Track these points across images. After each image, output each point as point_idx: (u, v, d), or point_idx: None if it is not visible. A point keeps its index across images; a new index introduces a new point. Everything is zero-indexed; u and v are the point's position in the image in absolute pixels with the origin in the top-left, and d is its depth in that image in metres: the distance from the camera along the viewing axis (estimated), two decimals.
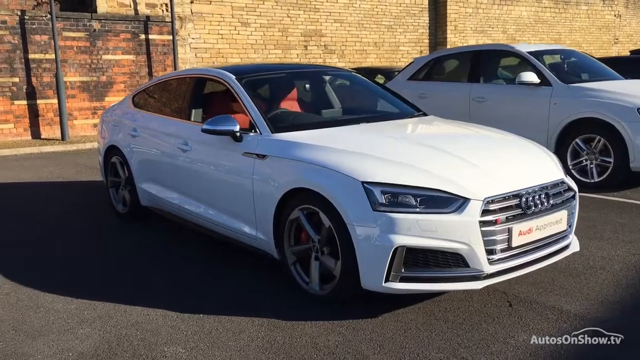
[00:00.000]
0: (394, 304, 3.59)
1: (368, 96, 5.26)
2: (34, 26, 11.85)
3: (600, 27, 22.75)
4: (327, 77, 5.37)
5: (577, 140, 6.68)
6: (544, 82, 7.06)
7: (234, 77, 4.64)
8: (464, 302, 3.65)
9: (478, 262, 3.28)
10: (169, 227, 5.45)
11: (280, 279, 4.06)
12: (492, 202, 3.33)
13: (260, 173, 3.99)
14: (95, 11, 12.60)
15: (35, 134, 12.08)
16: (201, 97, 5.11)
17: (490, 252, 3.31)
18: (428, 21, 18.15)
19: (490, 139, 4.33)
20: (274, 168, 3.90)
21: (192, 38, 13.99)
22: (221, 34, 14.41)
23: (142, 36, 13.14)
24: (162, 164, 5.12)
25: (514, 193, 3.42)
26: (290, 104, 4.90)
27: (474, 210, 3.27)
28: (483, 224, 3.27)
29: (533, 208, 3.44)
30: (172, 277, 4.25)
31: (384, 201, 3.30)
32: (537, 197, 3.48)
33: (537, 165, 3.81)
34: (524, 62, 7.41)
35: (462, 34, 18.44)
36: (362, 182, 3.36)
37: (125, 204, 5.83)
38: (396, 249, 3.24)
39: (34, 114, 12.04)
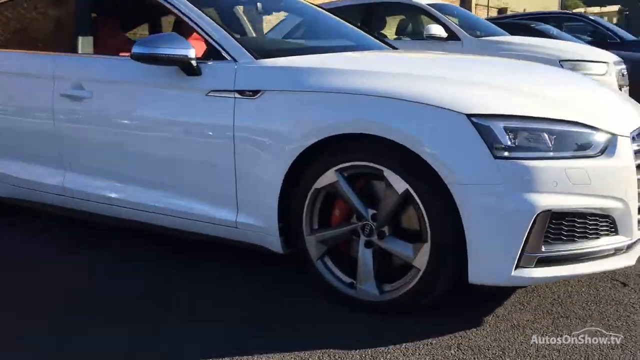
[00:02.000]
0: (476, 302, 2.42)
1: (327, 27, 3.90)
2: None
3: None
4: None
5: None
6: (452, 36, 6.38)
7: None
8: (576, 287, 2.61)
9: (629, 227, 2.25)
10: (58, 226, 3.56)
11: (291, 283, 2.65)
12: (634, 139, 2.33)
13: (249, 120, 2.51)
14: None
15: None
16: (90, 19, 3.34)
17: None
18: None
19: (540, 66, 3.32)
20: (282, 108, 2.45)
21: None
22: None
23: None
24: (30, 126, 3.24)
25: None
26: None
27: (626, 151, 2.23)
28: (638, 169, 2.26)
29: None
30: (104, 298, 2.54)
31: (510, 142, 2.09)
32: None
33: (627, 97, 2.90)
34: (422, 16, 6.69)
35: None
36: (469, 116, 2.12)
37: None
38: (537, 215, 2.07)
39: None
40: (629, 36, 10.98)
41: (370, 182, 2.38)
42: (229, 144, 2.53)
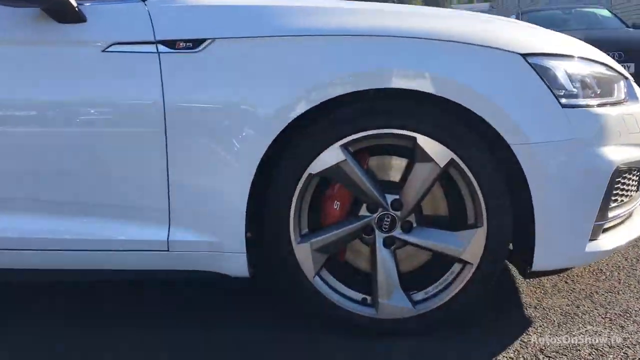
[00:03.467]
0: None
1: None
2: None
3: None
4: None
5: None
6: None
7: None
8: None
9: None
10: None
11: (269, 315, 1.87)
12: None
13: (189, 88, 1.66)
14: None
15: None
16: None
17: None
18: None
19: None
20: (249, 64, 1.66)
21: None
22: None
23: None
24: None
25: None
26: None
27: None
28: None
29: None
30: None
31: (572, 87, 1.67)
32: None
33: None
34: None
35: None
36: (525, 56, 1.64)
37: None
38: (612, 174, 1.69)
39: None
40: None
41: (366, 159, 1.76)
42: (155, 130, 1.65)
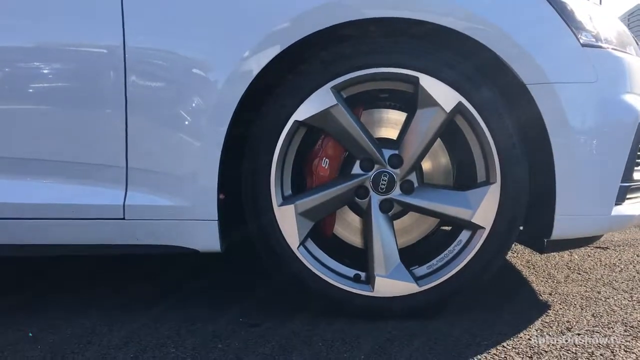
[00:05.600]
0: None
1: None
2: None
3: None
4: None
5: None
6: None
7: None
8: (564, 254, 2.09)
9: None
10: None
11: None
12: None
13: (156, 28, 1.44)
14: None
15: None
16: None
17: None
18: None
19: None
20: None
21: None
22: None
23: None
24: None
25: None
26: None
27: None
28: None
29: None
30: None
31: (593, 28, 1.49)
32: None
33: None
34: None
35: None
36: None
37: None
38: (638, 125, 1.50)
39: None
40: None
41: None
42: (114, 81, 1.40)
